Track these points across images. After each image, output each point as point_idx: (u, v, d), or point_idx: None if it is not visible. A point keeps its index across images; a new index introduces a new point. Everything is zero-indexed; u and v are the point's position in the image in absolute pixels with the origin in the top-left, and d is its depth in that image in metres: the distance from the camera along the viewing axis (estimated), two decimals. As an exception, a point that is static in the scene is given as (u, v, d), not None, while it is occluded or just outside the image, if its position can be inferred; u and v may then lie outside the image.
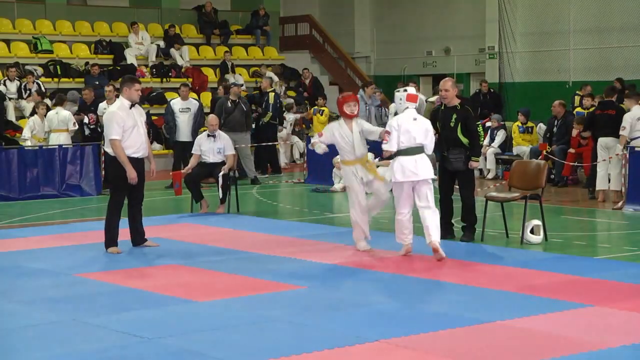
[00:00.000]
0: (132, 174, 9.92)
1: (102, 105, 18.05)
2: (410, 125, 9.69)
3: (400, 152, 9.67)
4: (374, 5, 27.55)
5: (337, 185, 16.01)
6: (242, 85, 20.44)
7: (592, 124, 14.84)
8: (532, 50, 23.12)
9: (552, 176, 16.16)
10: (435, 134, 10.82)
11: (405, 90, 9.97)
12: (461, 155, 10.71)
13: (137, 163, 10.08)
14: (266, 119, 19.30)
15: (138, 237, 10.38)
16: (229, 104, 17.55)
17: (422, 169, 9.64)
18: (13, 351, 6.47)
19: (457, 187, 11.02)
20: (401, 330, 6.83)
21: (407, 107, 9.79)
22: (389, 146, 9.66)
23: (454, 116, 10.72)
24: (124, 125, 9.90)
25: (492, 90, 22.00)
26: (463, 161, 10.71)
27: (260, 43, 25.82)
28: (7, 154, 15.45)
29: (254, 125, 18.88)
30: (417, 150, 9.68)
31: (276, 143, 19.82)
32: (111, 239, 10.14)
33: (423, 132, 9.74)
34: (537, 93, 21.04)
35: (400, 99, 9.83)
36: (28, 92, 20.02)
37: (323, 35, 27.03)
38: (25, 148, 16.00)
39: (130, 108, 10.05)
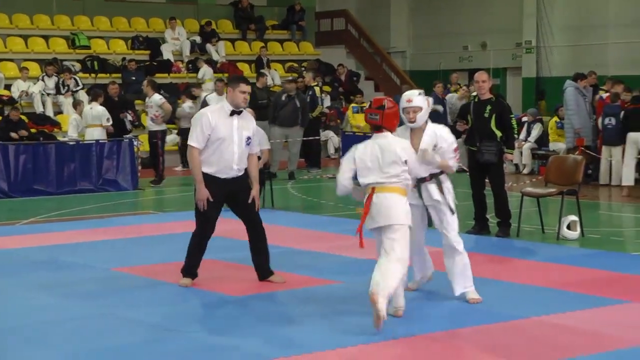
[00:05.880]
0: (201, 194, 7.94)
1: (187, 104, 18.25)
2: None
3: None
4: (411, 0, 27.45)
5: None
6: (301, 79, 20.42)
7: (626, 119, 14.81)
8: (571, 45, 22.90)
9: (589, 172, 16.02)
10: (465, 125, 10.80)
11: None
12: (493, 148, 10.62)
13: (224, 184, 8.02)
14: (316, 113, 19.32)
15: (260, 271, 8.42)
16: (283, 98, 17.62)
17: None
18: (49, 344, 6.53)
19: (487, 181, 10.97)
20: (437, 326, 6.81)
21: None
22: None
23: (489, 107, 10.66)
24: (212, 133, 7.89)
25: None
26: (495, 153, 10.64)
27: (295, 38, 25.86)
28: (45, 148, 15.61)
29: None
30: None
31: (319, 138, 19.84)
32: (187, 267, 8.36)
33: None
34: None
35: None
36: (66, 88, 20.22)
37: (359, 30, 26.98)
38: (63, 143, 16.17)
39: (232, 115, 7.99)
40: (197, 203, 8.03)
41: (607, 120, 15.59)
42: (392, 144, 6.99)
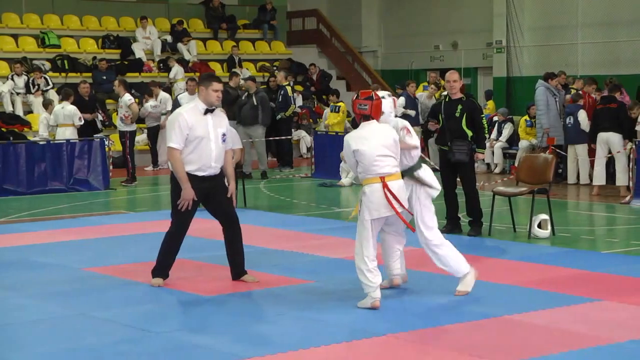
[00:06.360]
0: (188, 194, 7.92)
1: (150, 103, 18.15)
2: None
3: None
4: (382, 0, 27.53)
5: (345, 180, 16.02)
6: (273, 78, 20.43)
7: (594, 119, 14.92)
8: (540, 45, 23.09)
9: (560, 171, 16.14)
10: (436, 124, 10.85)
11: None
12: (464, 147, 10.66)
13: (202, 181, 8.02)
14: (289, 113, 19.33)
15: (235, 270, 8.43)
16: (243, 97, 17.63)
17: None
18: (22, 345, 6.50)
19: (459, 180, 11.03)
20: (409, 325, 6.84)
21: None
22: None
23: (460, 107, 10.71)
24: (190, 133, 7.91)
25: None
26: (466, 153, 10.68)
27: (267, 37, 25.84)
28: (15, 148, 15.49)
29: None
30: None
31: (290, 137, 19.85)
32: (159, 267, 8.31)
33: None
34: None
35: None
36: (36, 87, 20.08)
37: (330, 30, 27.02)
38: (33, 143, 16.05)
39: (206, 114, 8.03)
40: (182, 202, 7.97)
41: (567, 120, 15.75)
42: (390, 132, 7.48)
